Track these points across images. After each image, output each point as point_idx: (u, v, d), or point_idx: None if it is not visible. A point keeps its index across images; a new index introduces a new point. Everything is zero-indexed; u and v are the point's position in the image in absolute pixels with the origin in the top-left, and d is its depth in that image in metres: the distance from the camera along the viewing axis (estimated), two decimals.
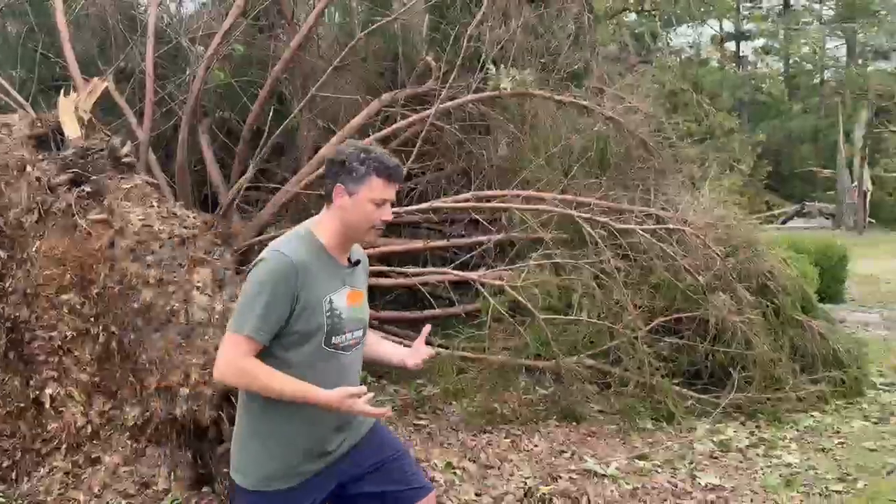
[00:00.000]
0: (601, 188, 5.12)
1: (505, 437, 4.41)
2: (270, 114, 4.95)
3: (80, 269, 3.60)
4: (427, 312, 5.53)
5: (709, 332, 4.93)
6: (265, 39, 6.44)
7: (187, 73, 5.94)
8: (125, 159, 4.00)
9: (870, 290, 10.96)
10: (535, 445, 4.32)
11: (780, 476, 3.98)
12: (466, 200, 4.52)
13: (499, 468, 3.86)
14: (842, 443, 4.50)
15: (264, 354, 1.97)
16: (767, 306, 5.22)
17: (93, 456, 3.46)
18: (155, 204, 3.85)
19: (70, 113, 4.13)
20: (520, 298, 4.47)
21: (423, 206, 4.58)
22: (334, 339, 2.03)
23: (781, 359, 5.18)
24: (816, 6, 40.76)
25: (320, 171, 5.04)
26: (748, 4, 41.96)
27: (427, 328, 2.31)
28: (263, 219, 4.94)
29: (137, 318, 3.45)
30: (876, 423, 4.87)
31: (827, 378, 5.30)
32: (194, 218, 3.91)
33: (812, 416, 4.95)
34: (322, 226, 2.08)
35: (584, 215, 4.56)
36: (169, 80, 6.32)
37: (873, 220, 26.32)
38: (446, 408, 4.96)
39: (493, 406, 4.68)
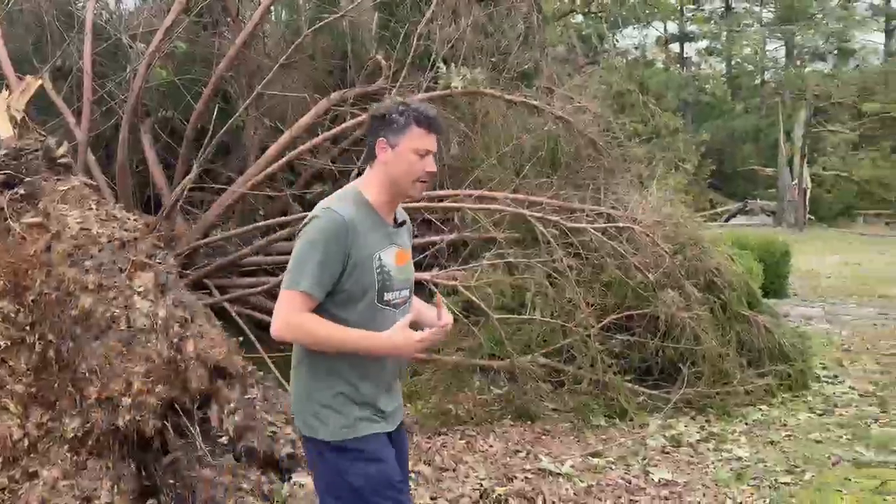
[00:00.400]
0: (552, 187, 5.13)
1: (460, 439, 4.38)
2: (215, 113, 4.82)
3: (13, 275, 3.43)
4: None
5: (659, 329, 4.99)
6: (209, 37, 6.29)
7: (128, 70, 5.75)
8: (61, 160, 3.83)
9: (811, 284, 11.29)
10: (491, 446, 4.29)
11: (731, 470, 4.04)
12: (418, 200, 4.45)
13: (454, 470, 3.82)
14: (789, 435, 4.59)
15: (318, 312, 1.97)
16: (715, 302, 5.31)
17: (30, 470, 3.29)
18: (94, 206, 3.70)
19: (2, 112, 3.95)
20: (473, 298, 4.44)
21: (414, 205, 4.51)
22: (386, 296, 2.03)
23: (729, 353, 5.27)
24: (757, 9, 41.91)
25: (269, 170, 4.94)
26: (692, 7, 42.90)
27: (439, 297, 2.20)
28: (208, 220, 4.81)
29: (76, 326, 3.30)
30: (821, 415, 4.99)
31: (773, 372, 5.42)
32: (135, 220, 3.77)
33: (760, 409, 5.05)
34: (368, 184, 2.08)
35: (536, 214, 4.55)
36: (109, 78, 6.11)
37: (813, 217, 27.17)
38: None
39: (447, 407, 4.64)
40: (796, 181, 26.01)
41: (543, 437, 4.53)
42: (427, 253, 4.91)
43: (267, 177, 4.88)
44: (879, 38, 44.83)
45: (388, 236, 2.07)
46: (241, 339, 4.88)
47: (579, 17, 21.77)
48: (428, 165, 2.03)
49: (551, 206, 4.76)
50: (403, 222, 2.17)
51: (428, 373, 4.63)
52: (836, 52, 42.08)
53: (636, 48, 33.08)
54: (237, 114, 5.27)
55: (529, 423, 4.71)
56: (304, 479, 3.14)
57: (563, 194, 5.18)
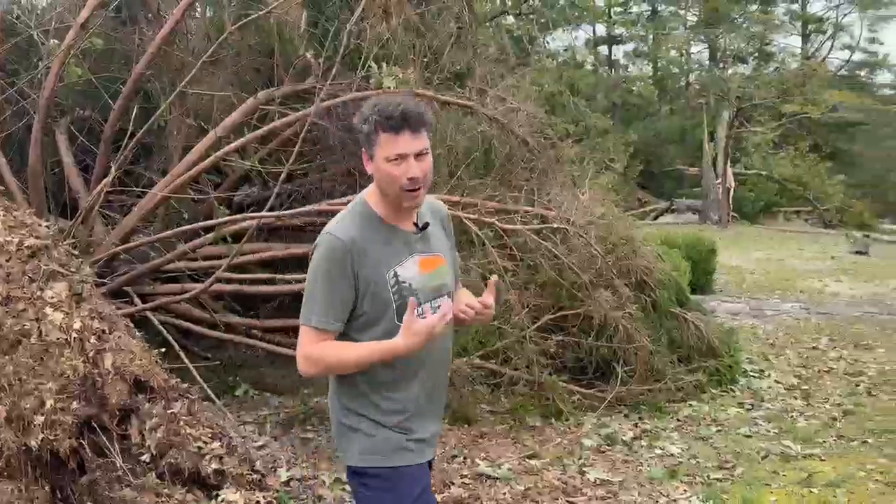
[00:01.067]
0: (487, 189, 5.10)
1: None
2: (134, 113, 4.60)
3: None
4: None
5: (593, 328, 5.02)
6: (130, 33, 6.01)
7: (40, 68, 5.44)
8: None
9: (736, 281, 11.64)
10: None
11: (665, 467, 4.09)
12: (344, 204, 4.35)
13: None
14: (719, 430, 4.69)
15: (340, 339, 1.90)
16: (646, 301, 5.38)
17: None
18: (2, 212, 3.47)
19: None
20: None
21: (306, 209, 4.38)
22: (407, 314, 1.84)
23: (661, 351, 5.36)
24: (682, 12, 43.18)
25: (191, 172, 4.75)
26: (619, 9, 43.88)
27: (491, 280, 1.99)
28: (128, 225, 4.59)
29: None
30: (749, 410, 5.12)
31: (703, 368, 5.54)
32: (48, 226, 3.55)
33: (690, 405, 5.14)
34: (373, 195, 1.94)
35: (470, 216, 4.51)
36: (20, 76, 5.78)
37: (736, 215, 28.11)
38: None
39: None
40: (720, 180, 26.85)
41: (480, 440, 4.50)
42: None
43: (190, 179, 4.68)
44: (797, 41, 46.87)
45: (407, 246, 1.91)
46: (164, 349, 4.73)
47: (511, 19, 22.00)
48: (409, 171, 1.81)
49: (486, 207, 4.73)
50: (426, 224, 1.95)
51: None
52: (756, 55, 43.78)
53: (565, 50, 33.52)
54: (157, 113, 5.03)
55: (467, 426, 4.67)
56: (232, 496, 3.01)
57: (498, 195, 5.16)
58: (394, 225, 1.91)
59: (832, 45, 46.64)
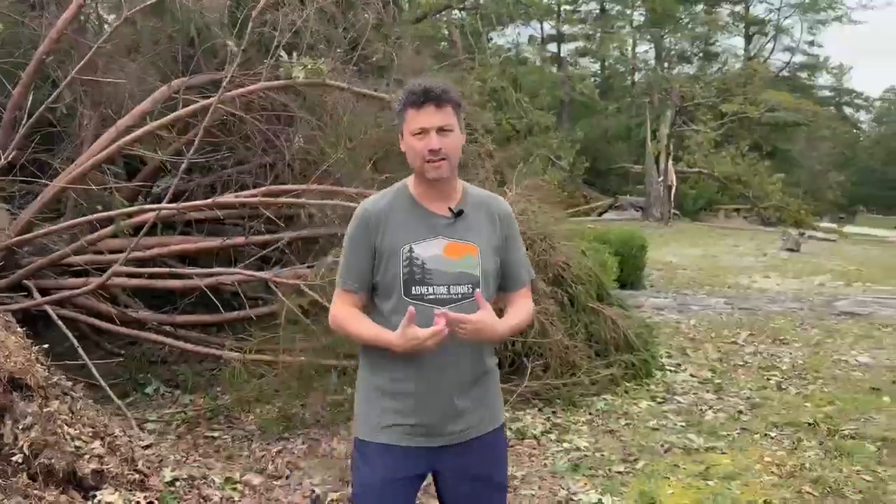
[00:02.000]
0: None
1: (303, 443, 4.23)
2: (30, 99, 4.42)
3: None
4: (234, 314, 5.24)
5: None
6: (37, 18, 5.78)
7: None
8: None
9: (668, 276, 11.86)
10: (334, 449, 4.17)
11: (569, 461, 4.10)
12: (254, 196, 4.26)
13: (287, 478, 3.67)
14: (628, 424, 4.74)
15: (371, 308, 2.02)
16: (562, 296, 5.41)
17: None
18: None
19: None
20: (317, 298, 4.29)
21: (205, 202, 4.27)
22: (414, 290, 1.93)
23: (577, 345, 5.40)
24: (628, 11, 43.78)
25: (91, 162, 4.59)
26: (567, 7, 44.27)
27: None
28: (24, 218, 4.41)
29: None
30: (660, 403, 5.19)
31: (619, 362, 5.59)
32: None
33: (604, 399, 5.18)
34: (413, 177, 2.03)
35: None
36: None
37: (678, 212, 28.69)
38: (245, 417, 4.69)
39: (291, 412, 4.47)
40: (662, 178, 27.34)
41: None
42: (266, 251, 4.70)
43: (91, 169, 4.52)
44: (740, 42, 48.03)
45: (433, 228, 1.96)
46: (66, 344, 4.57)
47: (458, 14, 21.96)
48: (429, 143, 1.90)
49: None
50: (461, 212, 1.99)
51: (272, 376, 4.44)
52: (700, 55, 44.72)
53: (511, 48, 33.69)
54: (50, 98, 4.83)
55: None
56: (110, 497, 2.90)
57: None
58: (425, 206, 1.99)
59: (773, 47, 48.00)
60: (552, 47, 44.25)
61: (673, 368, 6.08)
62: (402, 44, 6.50)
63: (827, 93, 54.02)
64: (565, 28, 43.27)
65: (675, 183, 28.36)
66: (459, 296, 1.94)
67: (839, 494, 3.60)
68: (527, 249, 5.37)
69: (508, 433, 4.49)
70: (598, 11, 44.58)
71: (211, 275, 4.38)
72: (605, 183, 36.36)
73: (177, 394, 5.21)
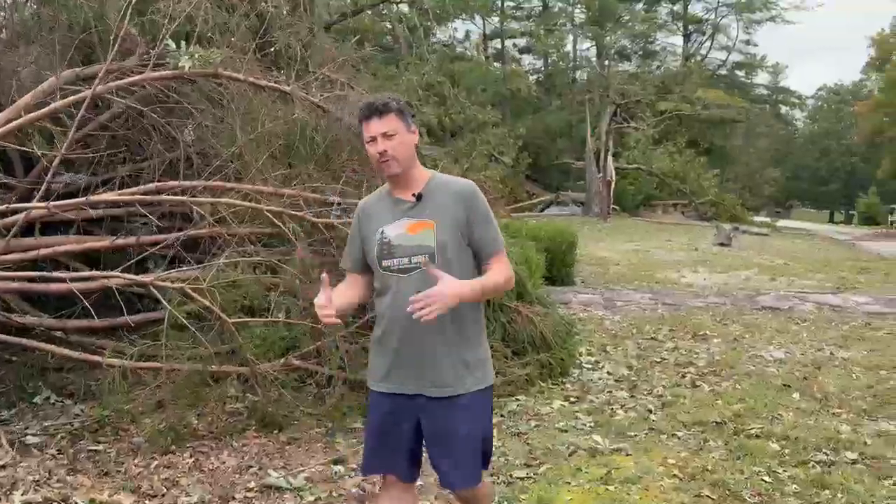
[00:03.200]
0: (306, 179, 4.84)
1: (190, 457, 3.98)
2: None
3: None
4: (120, 319, 4.94)
5: None
6: None
7: None
8: None
9: (600, 271, 11.89)
10: (224, 462, 3.94)
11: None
12: (133, 194, 4.00)
13: (163, 495, 3.43)
14: (538, 425, 4.62)
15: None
16: None
17: None
18: None
19: None
20: (205, 301, 4.05)
21: (78, 200, 3.98)
22: (384, 262, 2.38)
23: (493, 345, 5.27)
24: (570, 9, 44.15)
25: None
26: (511, 4, 44.42)
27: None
28: None
29: None
30: (573, 403, 5.10)
31: (535, 361, 5.49)
32: None
33: (518, 399, 5.06)
34: None
35: (274, 208, 4.23)
36: None
37: (617, 208, 29.02)
38: (133, 429, 4.41)
39: (183, 422, 4.22)
40: (601, 174, 27.61)
41: (288, 446, 4.24)
42: (149, 252, 4.43)
43: None
44: (678, 40, 48.94)
45: (399, 211, 2.38)
46: None
47: (404, 7, 21.74)
48: (377, 147, 2.33)
49: (294, 198, 4.46)
50: (420, 195, 2.37)
51: (161, 385, 4.18)
52: (640, 53, 45.40)
53: (449, 44, 33.62)
54: None
55: (277, 432, 4.40)
56: None
57: (319, 186, 4.91)
58: (396, 197, 2.41)
59: (711, 46, 49.07)
60: (497, 44, 44.34)
61: (591, 366, 6.02)
62: (316, 34, 6.26)
63: (763, 91, 55.51)
64: (507, 24, 43.39)
65: (614, 179, 28.67)
66: (418, 264, 2.33)
67: (737, 497, 3.54)
68: None
69: None
70: (540, 8, 44.86)
71: (91, 278, 4.09)
72: (547, 179, 36.65)
73: (67, 404, 4.90)
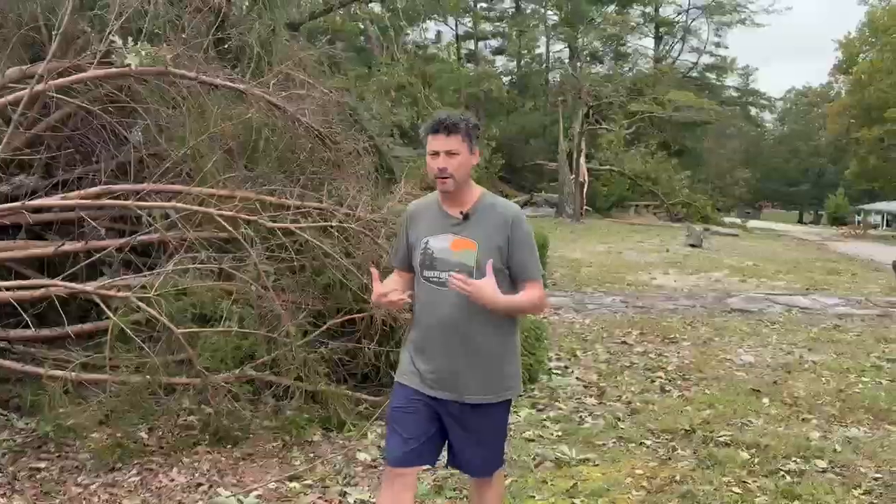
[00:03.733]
0: (260, 182, 4.65)
1: (136, 474, 3.78)
2: None
3: None
4: (65, 330, 4.71)
5: (376, 331, 4.70)
6: None
7: None
8: None
9: (572, 274, 11.80)
10: (172, 479, 3.74)
11: (433, 482, 3.81)
12: (76, 198, 3.78)
13: None
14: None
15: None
16: None
17: None
18: None
19: None
20: (151, 311, 3.85)
21: (12, 205, 3.76)
22: (425, 273, 2.49)
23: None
24: (542, 10, 44.24)
25: None
26: (484, 5, 44.39)
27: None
28: None
29: None
30: (541, 411, 4.96)
31: None
32: None
33: None
34: None
35: (226, 213, 4.04)
36: None
37: (590, 209, 29.10)
38: (79, 445, 4.18)
39: (127, 438, 4.01)
40: (574, 175, 27.64)
41: (243, 461, 4.05)
42: (97, 257, 4.21)
43: None
44: (650, 43, 49.29)
45: (447, 227, 2.48)
46: None
47: (376, 7, 21.49)
48: (437, 163, 2.41)
49: (249, 201, 4.27)
50: (468, 215, 2.48)
51: (104, 399, 3.96)
52: (612, 55, 45.63)
53: (420, 45, 33.49)
54: None
55: (231, 447, 4.21)
56: None
57: (275, 189, 4.72)
58: (445, 210, 2.52)
59: (682, 48, 49.51)
60: (471, 45, 44.29)
61: (560, 372, 5.89)
62: (276, 32, 6.07)
63: (734, 93, 56.10)
64: (480, 25, 43.34)
65: (587, 180, 28.74)
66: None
67: None
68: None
69: (375, 451, 4.20)
70: (513, 10, 44.90)
71: (33, 287, 3.86)
72: (521, 180, 36.65)
73: (12, 417, 4.65)
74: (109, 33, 4.06)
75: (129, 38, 4.05)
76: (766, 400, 5.10)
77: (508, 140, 33.97)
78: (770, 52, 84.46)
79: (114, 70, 4.05)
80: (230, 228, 3.99)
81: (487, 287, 2.32)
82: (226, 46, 5.06)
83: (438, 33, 40.32)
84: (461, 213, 2.47)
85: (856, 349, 6.70)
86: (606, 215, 29.58)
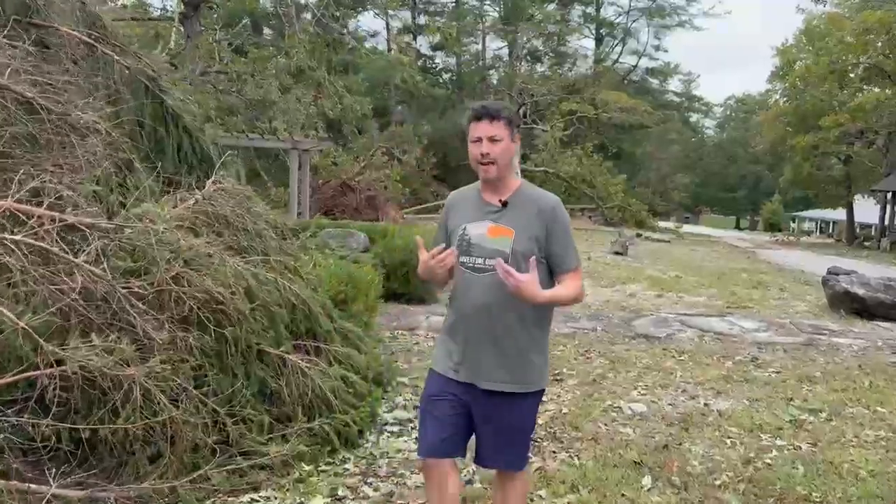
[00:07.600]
0: None
1: None
2: None
3: None
4: None
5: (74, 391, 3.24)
6: None
7: None
8: None
9: None
10: None
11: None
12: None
13: None
14: None
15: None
16: (221, 341, 3.69)
17: None
18: None
19: None
20: None
21: None
22: (462, 258, 2.54)
23: (249, 410, 3.73)
24: (481, 5, 43.18)
25: None
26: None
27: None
28: None
29: None
30: (339, 500, 3.59)
31: (304, 431, 3.97)
32: None
33: (253, 498, 3.52)
34: None
35: None
36: None
37: None
38: None
39: None
40: None
41: None
42: None
43: None
44: (590, 44, 48.71)
45: (483, 213, 2.54)
46: None
47: None
48: (481, 148, 2.47)
49: None
50: (506, 203, 2.52)
51: None
52: (552, 55, 44.81)
53: (341, 32, 32.02)
54: None
55: None
56: None
57: None
58: (485, 197, 2.59)
59: (622, 50, 49.05)
60: (409, 39, 42.88)
61: (396, 430, 4.53)
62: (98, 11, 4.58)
63: (675, 98, 56.05)
64: (420, 20, 42.08)
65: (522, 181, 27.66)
66: (492, 266, 2.45)
67: None
68: (135, 275, 3.65)
69: None
70: (452, 4, 43.75)
71: None
72: (455, 179, 35.40)
73: None
74: None
75: None
76: (647, 479, 3.81)
77: (444, 139, 32.73)
78: (715, 59, 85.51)
79: None
80: None
81: (531, 284, 2.33)
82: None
83: (356, 26, 38.84)
84: (500, 200, 2.52)
85: (773, 392, 5.52)
86: None
